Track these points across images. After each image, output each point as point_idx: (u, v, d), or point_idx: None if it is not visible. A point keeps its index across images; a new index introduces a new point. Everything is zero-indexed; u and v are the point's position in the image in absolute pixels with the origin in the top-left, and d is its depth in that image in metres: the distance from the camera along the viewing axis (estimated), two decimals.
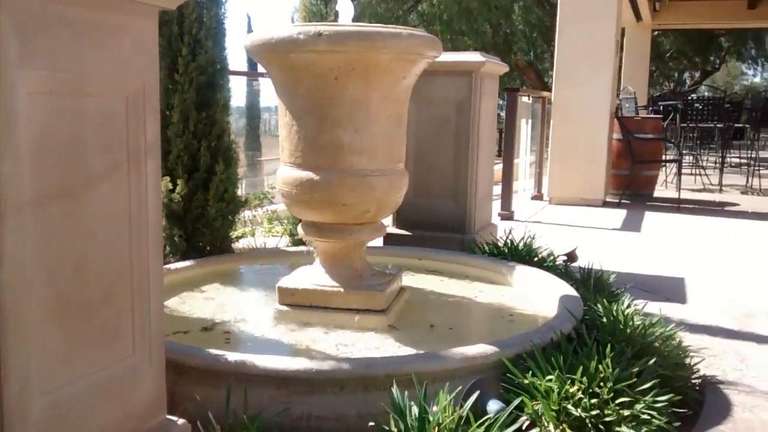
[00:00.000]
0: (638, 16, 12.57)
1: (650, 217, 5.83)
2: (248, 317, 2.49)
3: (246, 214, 4.23)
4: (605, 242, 4.69)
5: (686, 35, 20.93)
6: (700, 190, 7.85)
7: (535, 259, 3.26)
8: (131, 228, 1.31)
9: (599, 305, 2.52)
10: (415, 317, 2.56)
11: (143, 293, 1.33)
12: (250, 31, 20.17)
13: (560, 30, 6.31)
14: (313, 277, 2.57)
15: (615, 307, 2.52)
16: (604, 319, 2.35)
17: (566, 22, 6.28)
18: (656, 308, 2.93)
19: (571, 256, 3.25)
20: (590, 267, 3.08)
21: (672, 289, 3.51)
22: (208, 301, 2.67)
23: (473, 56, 3.60)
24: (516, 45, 20.14)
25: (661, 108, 8.32)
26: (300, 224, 2.62)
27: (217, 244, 3.36)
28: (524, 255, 3.30)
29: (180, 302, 2.65)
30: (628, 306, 2.63)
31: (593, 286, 2.99)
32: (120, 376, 1.31)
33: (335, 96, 2.37)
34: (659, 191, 7.49)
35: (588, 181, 6.38)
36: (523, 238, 3.42)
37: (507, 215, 5.57)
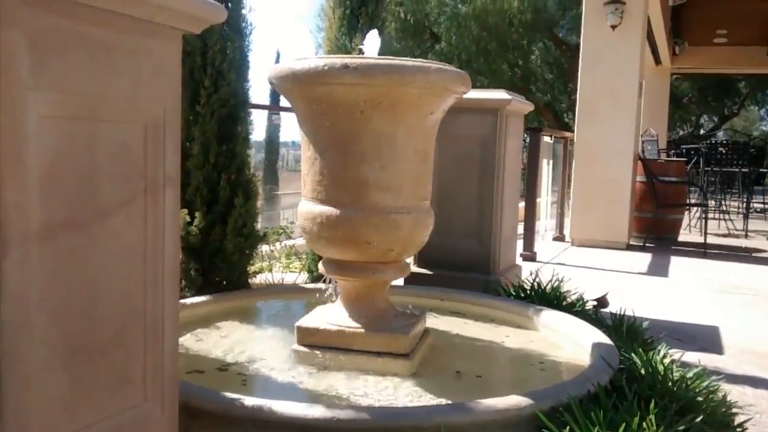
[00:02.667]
0: (657, 60, 12.55)
1: (676, 262, 5.68)
2: (265, 358, 2.38)
3: (264, 248, 4.14)
4: (632, 287, 4.54)
5: (705, 79, 20.90)
6: (725, 235, 7.68)
7: (564, 303, 3.13)
8: (146, 263, 1.22)
9: (635, 355, 2.39)
10: (440, 362, 2.43)
11: (157, 333, 1.22)
12: None
13: (582, 72, 6.25)
14: (333, 316, 2.46)
15: (652, 357, 2.39)
16: (643, 371, 2.22)
17: (588, 64, 6.22)
18: (693, 358, 2.79)
19: (602, 302, 3.11)
20: (622, 313, 2.94)
21: (706, 338, 3.36)
22: (224, 339, 2.56)
23: (499, 94, 3.53)
24: (533, 85, 20.19)
25: (684, 151, 8.20)
26: (321, 261, 2.52)
27: (233, 279, 3.27)
28: (552, 299, 3.17)
29: (195, 340, 2.54)
30: (665, 356, 2.50)
31: (625, 334, 2.86)
32: (129, 424, 1.20)
33: (360, 130, 2.29)
34: (683, 235, 7.34)
35: (611, 223, 6.25)
36: (550, 281, 3.29)
37: (529, 256, 5.45)
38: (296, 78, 2.26)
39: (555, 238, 6.70)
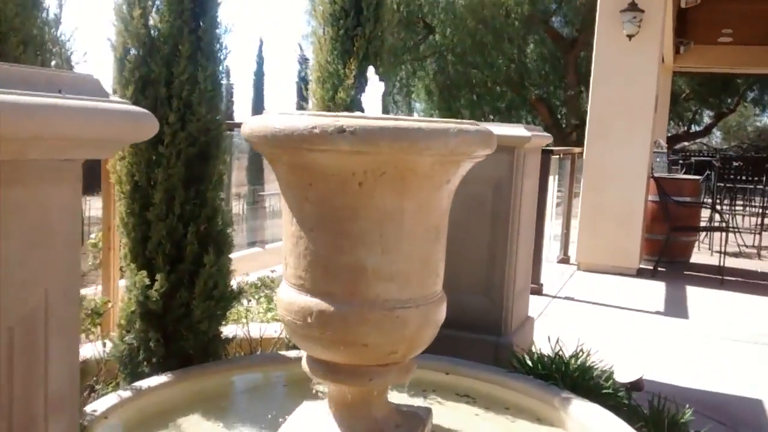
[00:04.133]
0: (661, 59, 12.07)
1: (694, 295, 5.23)
2: None
3: (240, 280, 3.65)
4: (651, 335, 4.08)
5: (702, 76, 20.45)
6: (736, 255, 7.24)
7: (591, 382, 2.67)
8: None
9: None
10: None
11: None
12: (260, 57, 19.29)
13: (594, 84, 5.77)
14: (319, 428, 1.98)
15: None
16: None
17: (601, 76, 5.73)
18: None
19: (636, 386, 2.66)
20: (661, 400, 2.49)
21: (752, 420, 2.91)
22: None
23: (517, 130, 3.04)
24: (528, 79, 19.68)
25: (693, 164, 7.73)
26: (305, 357, 2.04)
27: (202, 347, 2.77)
28: (576, 376, 2.71)
29: None
30: None
31: (667, 428, 2.42)
32: None
33: (358, 206, 1.80)
34: (694, 255, 6.90)
35: (621, 246, 5.80)
36: (574, 354, 2.83)
37: (536, 289, 4.97)
38: (277, 140, 1.76)
39: (560, 261, 6.25)
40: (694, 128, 24.68)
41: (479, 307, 3.16)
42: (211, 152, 2.73)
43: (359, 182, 1.76)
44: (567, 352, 2.94)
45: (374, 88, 2.00)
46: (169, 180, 2.62)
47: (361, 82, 2.81)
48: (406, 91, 20.30)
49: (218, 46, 2.73)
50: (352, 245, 1.82)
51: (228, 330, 3.08)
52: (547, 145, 4.10)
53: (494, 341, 3.09)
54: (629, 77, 5.60)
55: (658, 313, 4.63)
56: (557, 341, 2.95)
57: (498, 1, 16.50)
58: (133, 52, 2.58)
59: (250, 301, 3.76)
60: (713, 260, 6.73)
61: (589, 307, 4.61)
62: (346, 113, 1.76)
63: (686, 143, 21.85)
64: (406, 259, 1.86)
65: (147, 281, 2.60)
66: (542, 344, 3.53)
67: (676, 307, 4.80)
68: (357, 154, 1.70)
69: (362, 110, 2.14)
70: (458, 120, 1.89)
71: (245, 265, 5.85)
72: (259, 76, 18.68)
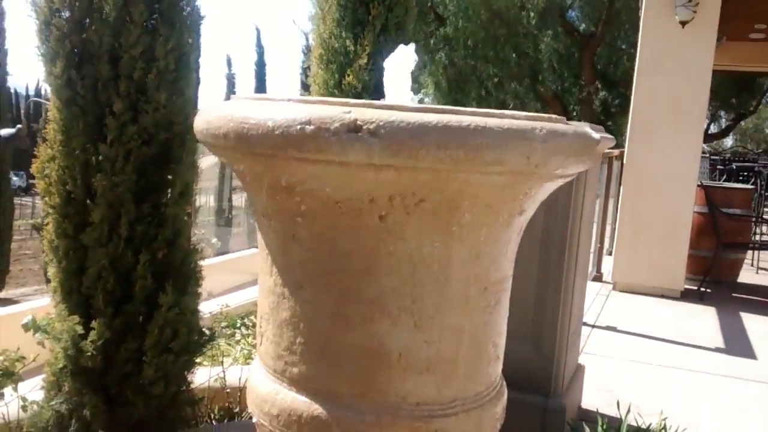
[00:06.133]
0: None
1: (753, 325, 4.49)
2: None
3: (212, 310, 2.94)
4: (719, 385, 3.34)
5: (724, 75, 19.64)
6: None
7: None
8: None
9: None
10: None
11: None
12: (260, 46, 18.12)
13: (639, 77, 5.03)
14: None
15: None
16: None
17: (647, 68, 4.99)
18: None
19: None
20: None
21: None
22: None
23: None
24: (541, 75, 18.88)
25: (735, 169, 6.98)
26: None
27: (159, 411, 2.07)
28: None
29: None
30: None
31: None
32: None
33: (378, 252, 1.10)
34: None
35: (665, 264, 5.07)
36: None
37: None
38: (246, 142, 1.05)
39: (594, 278, 5.52)
40: (712, 129, 23.86)
41: (523, 357, 2.44)
42: (173, 153, 2.01)
43: (380, 214, 1.06)
44: (628, 413, 2.24)
45: (401, 64, 1.28)
46: (114, 191, 1.90)
47: (377, 63, 2.10)
48: (416, 86, 19.59)
49: (187, 11, 2.02)
50: (366, 314, 1.12)
51: (199, 376, 2.39)
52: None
53: (542, 404, 2.39)
54: (680, 70, 4.87)
55: (719, 350, 3.90)
56: (628, 409, 2.23)
57: None
58: (63, 13, 1.86)
59: (232, 335, 3.06)
60: (760, 279, 6.02)
61: (637, 342, 3.89)
62: (361, 101, 1.04)
63: (704, 145, 21.10)
64: (452, 338, 1.16)
65: (80, 329, 1.89)
66: (590, 397, 2.84)
67: (738, 343, 4.07)
68: (379, 169, 0.99)
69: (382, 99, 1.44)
70: (539, 113, 1.18)
71: (243, 267, 5.14)
72: (260, 66, 17.75)
